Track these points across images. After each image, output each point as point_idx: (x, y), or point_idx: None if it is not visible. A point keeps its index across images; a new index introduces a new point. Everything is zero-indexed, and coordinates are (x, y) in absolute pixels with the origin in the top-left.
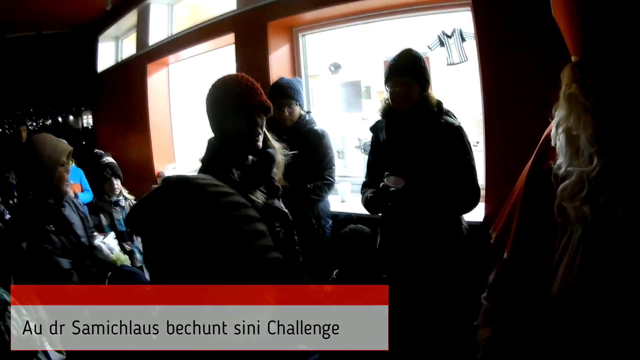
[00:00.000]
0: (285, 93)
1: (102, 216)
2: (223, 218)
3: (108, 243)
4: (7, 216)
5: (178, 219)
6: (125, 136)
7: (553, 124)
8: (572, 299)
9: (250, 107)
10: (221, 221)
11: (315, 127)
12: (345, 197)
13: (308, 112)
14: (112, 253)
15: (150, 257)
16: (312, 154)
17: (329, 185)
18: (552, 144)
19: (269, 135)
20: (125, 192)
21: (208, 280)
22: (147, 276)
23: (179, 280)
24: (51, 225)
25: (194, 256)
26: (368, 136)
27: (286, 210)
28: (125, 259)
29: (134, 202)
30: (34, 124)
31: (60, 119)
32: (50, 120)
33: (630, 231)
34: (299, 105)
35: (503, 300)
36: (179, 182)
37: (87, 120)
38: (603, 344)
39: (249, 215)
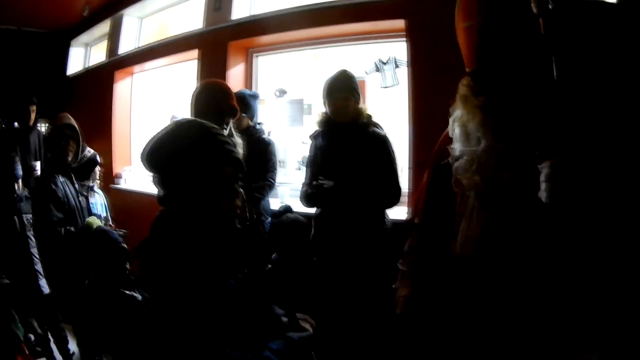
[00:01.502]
0: (239, 103)
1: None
2: (220, 145)
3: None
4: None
5: (187, 143)
6: (89, 138)
7: (450, 119)
8: (471, 251)
9: (223, 107)
10: (218, 147)
11: (264, 136)
12: (285, 200)
13: (259, 123)
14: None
15: (163, 181)
16: (258, 158)
17: (270, 186)
18: (449, 134)
19: (235, 132)
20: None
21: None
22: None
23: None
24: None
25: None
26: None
27: (242, 191)
28: (98, 222)
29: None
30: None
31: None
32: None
33: (514, 190)
34: (248, 116)
35: (416, 261)
36: (188, 120)
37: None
38: (499, 288)
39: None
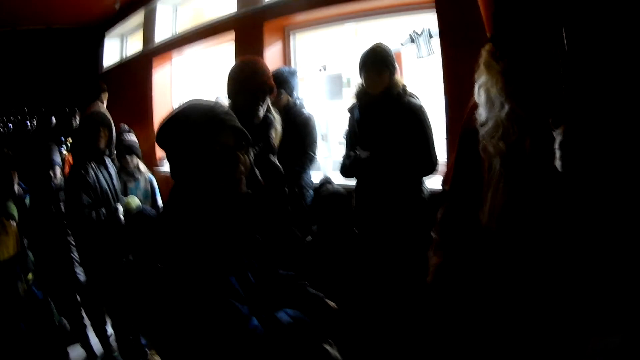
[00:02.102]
0: (277, 81)
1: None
2: (217, 116)
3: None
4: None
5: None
6: (130, 125)
7: (476, 85)
8: (498, 219)
9: (258, 84)
10: (215, 119)
11: (304, 111)
12: (328, 173)
13: (298, 99)
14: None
15: (170, 156)
16: (299, 133)
17: (310, 159)
18: (475, 99)
19: (272, 109)
20: (142, 167)
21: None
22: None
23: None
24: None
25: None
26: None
27: (279, 165)
28: (135, 202)
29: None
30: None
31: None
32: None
33: (536, 159)
34: (287, 93)
35: (449, 230)
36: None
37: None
38: (524, 259)
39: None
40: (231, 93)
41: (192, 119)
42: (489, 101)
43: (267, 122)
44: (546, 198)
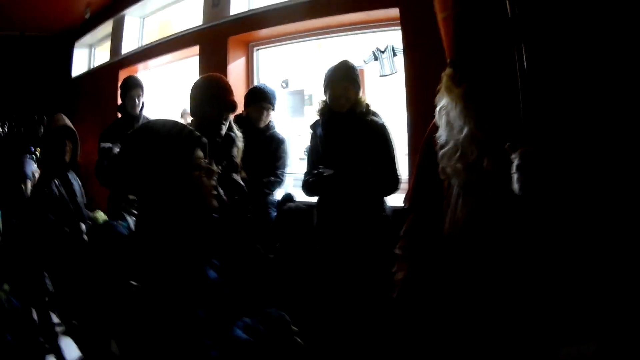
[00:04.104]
0: (269, 98)
1: None
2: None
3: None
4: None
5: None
6: (95, 137)
7: (437, 109)
8: (458, 233)
9: (222, 101)
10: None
11: (278, 132)
12: (289, 190)
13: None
14: None
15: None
16: (271, 153)
17: (279, 183)
18: (437, 122)
19: (234, 126)
20: None
21: None
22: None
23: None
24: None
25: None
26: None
27: (242, 184)
28: (102, 217)
29: None
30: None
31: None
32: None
33: (494, 178)
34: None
35: (412, 245)
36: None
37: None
38: (487, 271)
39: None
40: (196, 108)
41: (163, 134)
42: (449, 124)
43: (230, 140)
44: (505, 215)
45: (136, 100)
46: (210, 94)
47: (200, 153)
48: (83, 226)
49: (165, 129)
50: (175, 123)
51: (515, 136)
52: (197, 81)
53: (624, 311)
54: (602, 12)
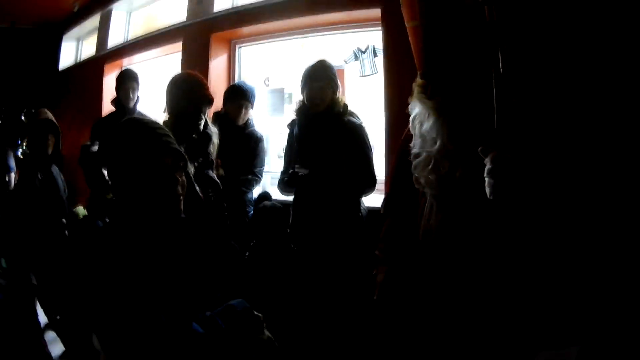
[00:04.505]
0: (247, 96)
1: None
2: (158, 138)
3: None
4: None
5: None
6: (79, 130)
7: (411, 117)
8: (432, 240)
9: (199, 96)
10: (156, 140)
11: (257, 130)
12: (266, 188)
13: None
14: None
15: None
16: (249, 151)
17: (257, 181)
18: (411, 130)
19: (209, 122)
20: None
21: None
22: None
23: None
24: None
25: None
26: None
27: (218, 181)
28: (82, 212)
29: None
30: None
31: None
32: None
33: (466, 187)
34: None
35: (390, 248)
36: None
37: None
38: (461, 277)
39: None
40: (173, 103)
41: (134, 139)
42: (422, 136)
43: (206, 136)
44: (477, 224)
45: (130, 93)
46: (187, 89)
47: (166, 159)
48: (64, 221)
49: (138, 133)
50: (150, 128)
51: (487, 141)
52: (173, 77)
53: (604, 315)
54: (577, 21)
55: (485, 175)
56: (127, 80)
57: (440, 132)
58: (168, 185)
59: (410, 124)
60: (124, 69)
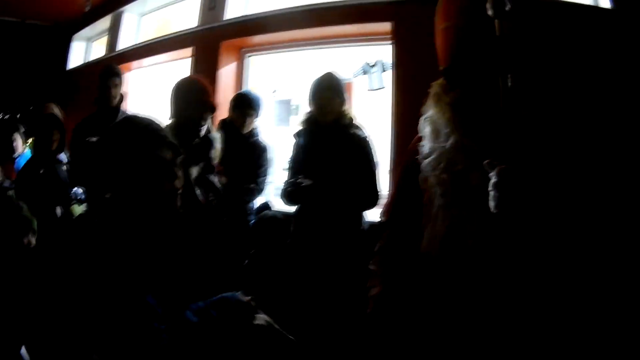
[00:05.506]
0: (253, 104)
1: None
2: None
3: None
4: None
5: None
6: None
7: (422, 118)
8: (437, 249)
9: (202, 103)
10: (155, 133)
11: (262, 140)
12: (270, 198)
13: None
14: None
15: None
16: (253, 160)
17: (259, 191)
18: (420, 132)
19: (212, 128)
20: None
21: None
22: None
23: None
24: None
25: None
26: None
27: (218, 185)
28: (78, 211)
29: None
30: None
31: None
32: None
33: (481, 192)
34: (256, 118)
35: (388, 261)
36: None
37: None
38: (465, 287)
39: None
40: (176, 108)
41: (131, 132)
42: (435, 132)
43: (208, 141)
44: (485, 231)
45: (112, 90)
46: (190, 95)
47: (164, 152)
48: (59, 210)
49: (136, 127)
50: (147, 122)
51: (495, 153)
52: (177, 82)
53: (604, 327)
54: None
55: (490, 188)
56: (108, 76)
57: (455, 126)
58: (166, 179)
59: (420, 125)
60: (105, 64)
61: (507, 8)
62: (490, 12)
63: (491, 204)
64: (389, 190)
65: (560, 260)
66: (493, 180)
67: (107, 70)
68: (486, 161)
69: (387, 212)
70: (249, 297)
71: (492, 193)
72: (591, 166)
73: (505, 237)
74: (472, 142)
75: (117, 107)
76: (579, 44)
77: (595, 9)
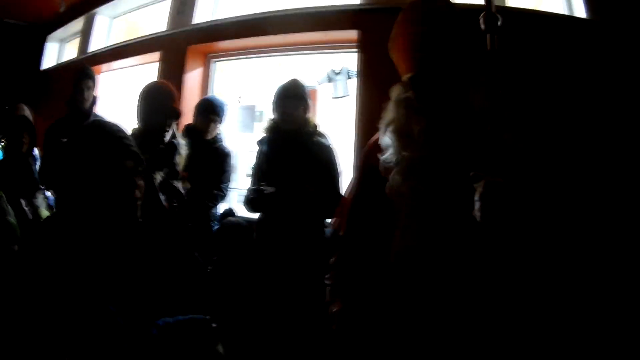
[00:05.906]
0: (217, 110)
1: None
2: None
3: None
4: None
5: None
6: None
7: (382, 125)
8: (409, 258)
9: (167, 108)
10: (117, 143)
11: (225, 146)
12: (233, 205)
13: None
14: None
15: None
16: (216, 166)
17: (222, 196)
18: (380, 141)
19: (178, 134)
20: None
21: None
22: None
23: None
24: None
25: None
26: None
27: (182, 191)
28: (44, 214)
29: None
30: None
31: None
32: None
33: (460, 199)
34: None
35: (344, 275)
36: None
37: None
38: (435, 297)
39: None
40: (141, 114)
41: (95, 140)
42: (400, 142)
43: (173, 147)
44: (458, 242)
45: (85, 93)
46: (156, 101)
47: (126, 161)
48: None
49: (100, 135)
50: (112, 130)
51: (476, 166)
52: (144, 87)
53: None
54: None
55: (476, 199)
56: (81, 78)
57: (421, 134)
58: (126, 188)
59: (380, 134)
60: (79, 66)
61: (499, 23)
62: (482, 27)
63: (476, 214)
64: (344, 197)
65: (546, 270)
66: (479, 191)
67: (81, 72)
68: (472, 173)
69: (342, 222)
70: (215, 324)
71: (477, 204)
72: (576, 174)
73: (489, 248)
74: (443, 151)
75: (89, 110)
76: (558, 53)
77: (571, 19)
